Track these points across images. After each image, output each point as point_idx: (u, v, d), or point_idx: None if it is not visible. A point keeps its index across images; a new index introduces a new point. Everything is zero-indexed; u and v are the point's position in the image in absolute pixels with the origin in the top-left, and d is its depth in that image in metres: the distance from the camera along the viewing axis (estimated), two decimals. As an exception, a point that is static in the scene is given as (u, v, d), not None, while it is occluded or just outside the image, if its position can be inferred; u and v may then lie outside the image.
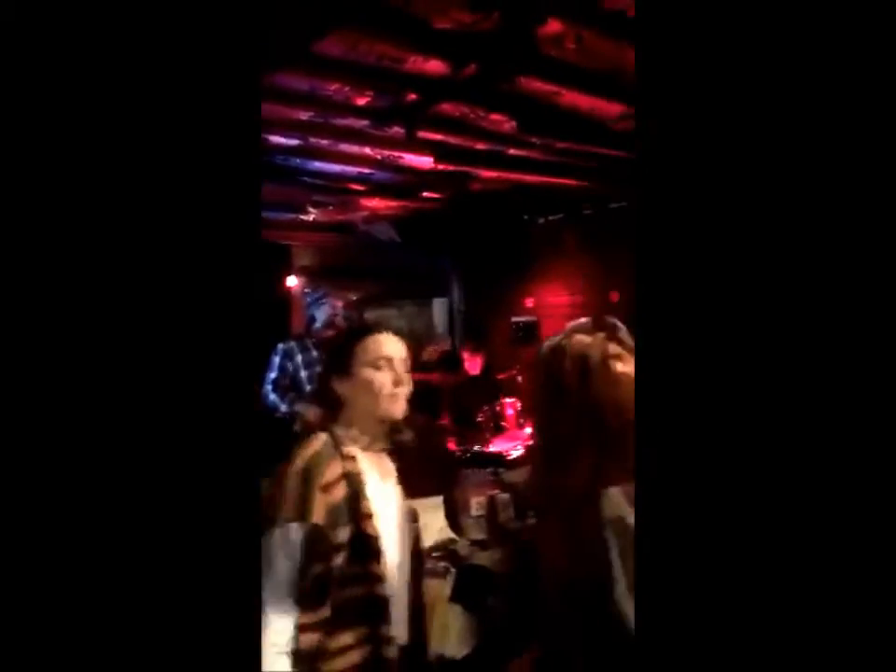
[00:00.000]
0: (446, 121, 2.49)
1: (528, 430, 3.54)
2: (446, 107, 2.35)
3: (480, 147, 2.79)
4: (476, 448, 3.50)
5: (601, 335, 0.97)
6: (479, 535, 2.09)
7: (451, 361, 4.15)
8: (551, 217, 4.70)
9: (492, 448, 3.49)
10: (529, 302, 4.90)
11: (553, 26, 1.79)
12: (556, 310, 4.66)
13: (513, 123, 2.34)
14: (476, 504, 2.17)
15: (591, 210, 4.38)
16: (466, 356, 4.02)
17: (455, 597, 1.77)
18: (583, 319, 1.02)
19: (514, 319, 4.94)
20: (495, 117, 2.31)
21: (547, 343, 1.02)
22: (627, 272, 4.21)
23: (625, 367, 0.95)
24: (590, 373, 0.94)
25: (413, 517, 1.32)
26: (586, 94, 2.23)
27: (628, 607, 0.85)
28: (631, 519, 0.87)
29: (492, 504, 2.18)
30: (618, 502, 0.90)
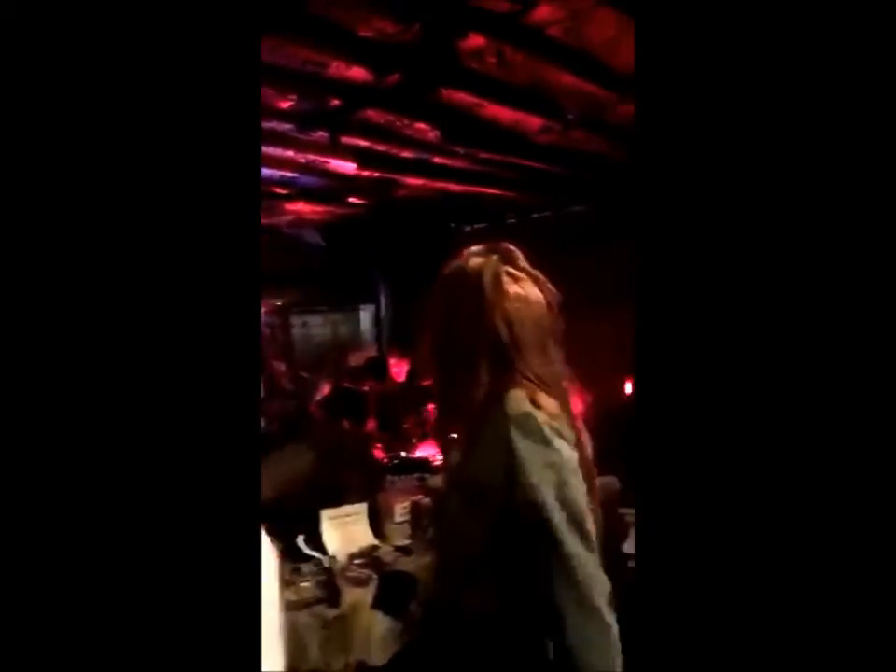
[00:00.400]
0: (371, 128, 2.49)
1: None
2: (371, 114, 2.36)
3: (405, 154, 2.81)
4: (402, 454, 3.50)
5: (495, 257, 1.05)
6: (403, 541, 2.09)
7: (377, 368, 4.14)
8: (476, 226, 4.78)
9: (418, 454, 3.50)
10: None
11: (475, 40, 1.84)
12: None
13: (437, 132, 2.38)
14: (400, 510, 2.17)
15: (514, 219, 4.48)
16: (392, 362, 4.02)
17: (378, 604, 1.77)
18: (479, 245, 1.09)
19: (441, 326, 4.97)
20: (419, 125, 2.33)
21: (445, 267, 1.10)
22: (548, 279, 4.33)
23: (515, 285, 1.03)
24: (482, 290, 1.01)
25: None
26: (507, 107, 2.29)
27: (534, 495, 0.89)
28: (535, 414, 0.94)
29: (416, 510, 2.19)
30: (521, 399, 0.95)
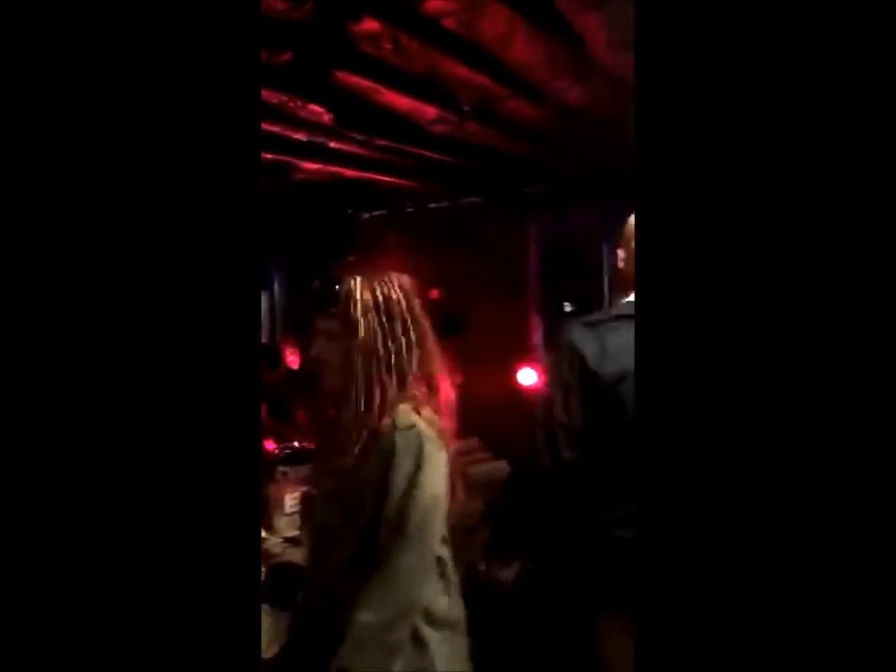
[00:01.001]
0: (263, 108, 2.40)
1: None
2: (263, 94, 2.27)
3: (299, 137, 2.73)
4: (294, 444, 3.43)
5: (360, 278, 1.20)
6: (292, 532, 2.06)
7: (271, 356, 4.02)
8: (374, 213, 4.74)
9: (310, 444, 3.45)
10: (353, 297, 4.88)
11: (370, 24, 1.82)
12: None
13: (332, 116, 2.33)
14: (290, 500, 2.14)
15: (412, 208, 4.48)
16: (287, 351, 3.92)
17: (266, 596, 1.74)
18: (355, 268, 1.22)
19: (337, 314, 4.90)
20: (313, 107, 2.28)
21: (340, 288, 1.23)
22: (446, 269, 4.38)
23: (393, 302, 1.17)
24: (369, 311, 1.16)
25: None
26: (403, 95, 2.28)
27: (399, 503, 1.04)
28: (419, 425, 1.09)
29: (307, 500, 2.16)
30: (408, 411, 1.11)
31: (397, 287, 1.20)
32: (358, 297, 1.17)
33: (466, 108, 2.44)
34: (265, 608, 1.68)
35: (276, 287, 5.22)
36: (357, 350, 1.14)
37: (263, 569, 1.80)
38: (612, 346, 1.33)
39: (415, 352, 1.16)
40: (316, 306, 1.22)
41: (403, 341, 1.16)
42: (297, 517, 2.12)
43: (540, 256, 4.01)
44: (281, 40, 1.86)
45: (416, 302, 1.21)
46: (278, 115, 2.50)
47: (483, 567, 2.71)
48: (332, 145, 2.87)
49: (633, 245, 1.41)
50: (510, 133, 2.84)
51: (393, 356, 1.14)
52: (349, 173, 3.35)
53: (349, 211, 4.74)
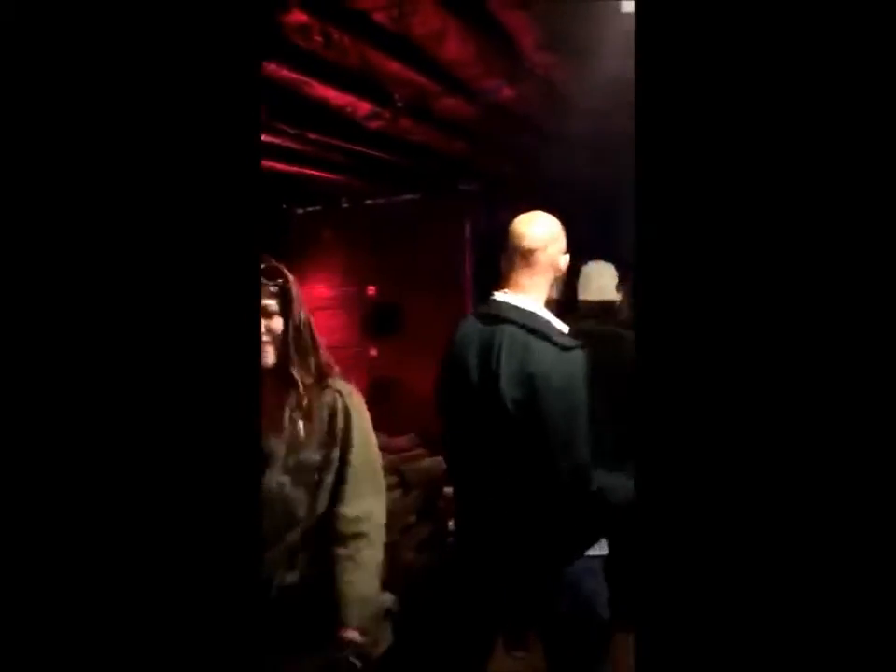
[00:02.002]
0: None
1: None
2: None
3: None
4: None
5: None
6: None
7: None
8: (309, 209, 4.67)
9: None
10: (288, 293, 4.80)
11: (299, 16, 1.79)
12: (316, 303, 4.64)
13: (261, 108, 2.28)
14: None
15: (348, 204, 4.44)
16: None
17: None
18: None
19: (271, 311, 4.80)
20: (241, 100, 2.22)
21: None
22: (383, 266, 4.37)
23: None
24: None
25: None
26: (336, 89, 2.26)
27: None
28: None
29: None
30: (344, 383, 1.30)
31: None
32: (288, 274, 1.27)
33: (400, 104, 2.44)
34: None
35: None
36: (295, 325, 1.25)
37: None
38: (455, 346, 1.44)
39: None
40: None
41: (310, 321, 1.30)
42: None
43: (476, 252, 4.05)
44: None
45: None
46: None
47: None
48: (264, 138, 2.81)
49: (506, 243, 1.48)
50: (444, 131, 2.86)
51: (310, 333, 1.28)
52: (282, 167, 3.29)
53: (283, 206, 4.65)
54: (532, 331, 1.38)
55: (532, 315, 1.43)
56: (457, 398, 1.42)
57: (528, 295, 1.45)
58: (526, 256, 1.44)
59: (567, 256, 1.51)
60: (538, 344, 1.36)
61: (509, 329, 1.39)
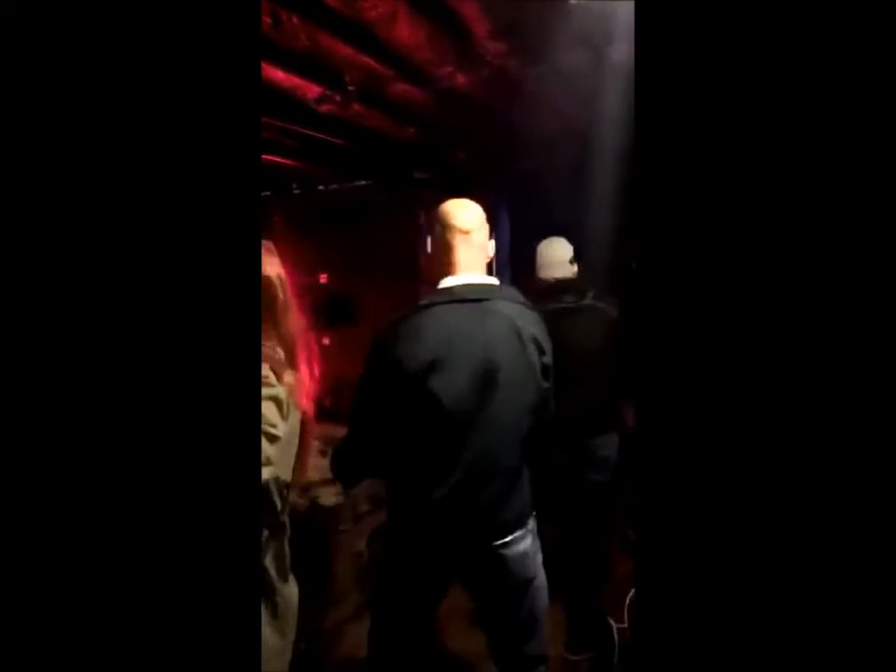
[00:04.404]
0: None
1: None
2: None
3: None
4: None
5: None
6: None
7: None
8: (260, 194, 4.58)
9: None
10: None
11: (246, -5, 1.74)
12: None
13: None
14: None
15: (299, 190, 4.37)
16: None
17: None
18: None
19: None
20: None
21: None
22: (335, 254, 4.31)
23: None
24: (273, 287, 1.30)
25: None
26: (284, 70, 2.21)
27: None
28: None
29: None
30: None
31: (267, 262, 1.27)
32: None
33: (351, 88, 2.40)
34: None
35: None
36: None
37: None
38: (420, 336, 1.33)
39: (271, 321, 1.27)
40: None
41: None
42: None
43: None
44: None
45: (273, 269, 1.29)
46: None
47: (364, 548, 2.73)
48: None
49: (437, 229, 1.46)
50: (397, 117, 2.83)
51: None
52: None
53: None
54: (520, 301, 1.43)
55: (506, 287, 1.46)
56: (448, 382, 1.32)
57: (479, 272, 1.45)
58: (466, 236, 1.45)
59: (493, 242, 1.53)
60: (531, 314, 1.43)
61: (502, 304, 1.39)
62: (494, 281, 1.45)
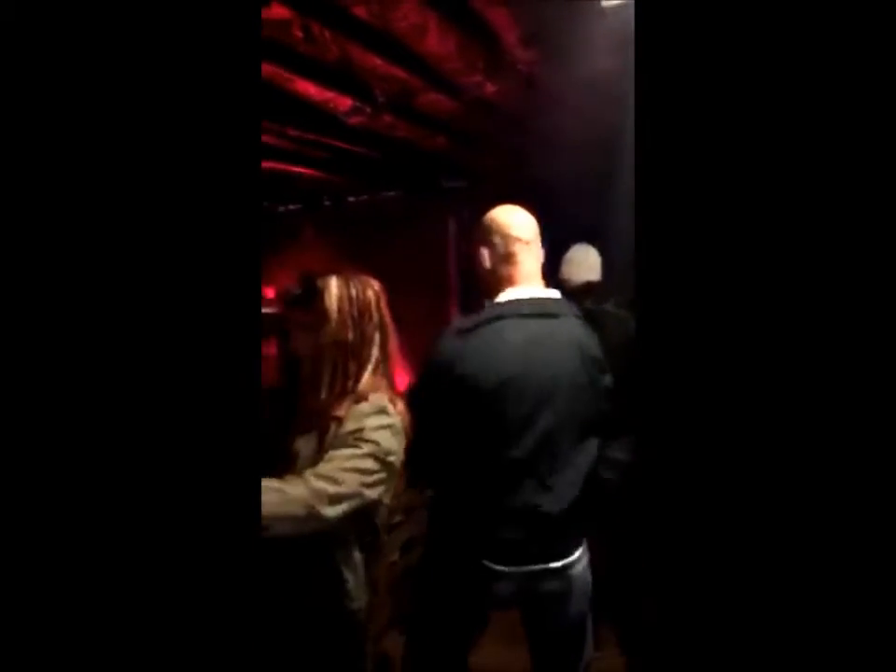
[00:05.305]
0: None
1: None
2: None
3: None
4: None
5: (373, 281, 1.33)
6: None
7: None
8: (291, 207, 4.63)
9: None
10: (269, 293, 4.77)
11: (280, 11, 1.77)
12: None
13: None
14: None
15: (330, 201, 4.41)
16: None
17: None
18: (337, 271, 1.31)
19: (253, 310, 4.77)
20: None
21: (333, 283, 1.31)
22: (365, 264, 4.34)
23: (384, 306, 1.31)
24: (378, 311, 1.31)
25: None
26: (316, 84, 2.24)
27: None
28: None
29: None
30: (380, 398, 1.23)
31: (369, 288, 1.29)
32: (333, 292, 1.26)
33: (381, 100, 2.42)
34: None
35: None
36: (328, 337, 1.23)
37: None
38: (489, 351, 1.29)
39: (378, 347, 1.27)
40: (294, 302, 1.30)
41: (372, 335, 1.27)
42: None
43: (460, 250, 4.04)
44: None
45: (385, 305, 1.31)
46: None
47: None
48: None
49: (496, 239, 1.40)
50: (426, 127, 2.84)
51: (360, 347, 1.25)
52: (262, 163, 3.26)
53: (263, 203, 4.61)
54: (578, 317, 1.40)
55: (565, 301, 1.43)
56: (517, 401, 1.27)
57: (540, 284, 1.42)
58: (527, 246, 1.40)
59: (543, 250, 1.49)
60: (589, 331, 1.41)
61: (566, 322, 1.36)
62: (556, 294, 1.41)
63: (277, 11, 1.76)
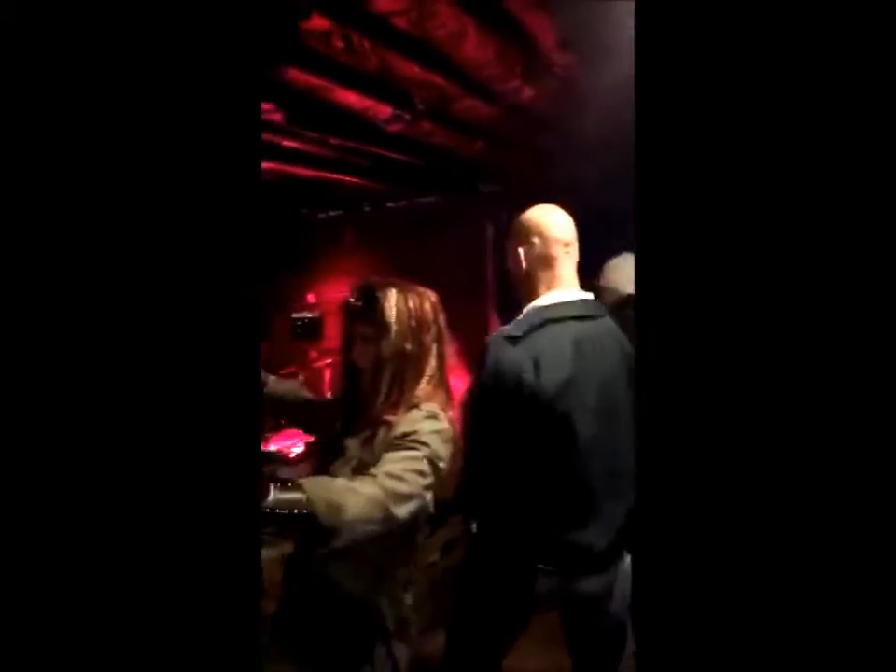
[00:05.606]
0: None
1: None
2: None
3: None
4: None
5: (430, 292, 1.35)
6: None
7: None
8: (331, 213, 4.71)
9: (271, 447, 3.41)
10: (311, 298, 4.85)
11: (320, 22, 1.81)
12: (338, 306, 4.67)
13: (282, 114, 2.31)
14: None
15: (370, 208, 4.47)
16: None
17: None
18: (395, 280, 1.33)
19: (294, 315, 4.86)
20: (263, 105, 2.25)
21: (391, 293, 1.32)
22: (405, 269, 4.38)
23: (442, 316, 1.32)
24: (435, 322, 1.32)
25: None
26: (356, 93, 2.28)
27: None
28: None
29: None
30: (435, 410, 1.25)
31: (426, 300, 1.32)
32: (392, 304, 1.27)
33: (420, 107, 2.45)
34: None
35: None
36: (387, 349, 1.25)
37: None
38: (548, 356, 1.27)
39: (437, 358, 1.30)
40: (354, 314, 1.31)
41: (430, 347, 1.29)
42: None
43: (497, 254, 4.04)
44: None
45: (442, 316, 1.33)
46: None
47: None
48: (285, 143, 2.85)
49: (535, 240, 1.38)
50: (464, 132, 2.86)
51: (418, 358, 1.27)
52: (303, 172, 3.32)
53: (304, 211, 4.70)
54: (611, 318, 1.40)
55: (598, 303, 1.42)
56: (579, 405, 1.27)
57: (577, 286, 1.41)
58: (566, 248, 1.38)
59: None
60: (620, 332, 1.39)
61: (603, 322, 1.36)
62: (590, 296, 1.40)
63: (317, 23, 1.80)
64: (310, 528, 1.02)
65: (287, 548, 1.45)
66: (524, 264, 1.41)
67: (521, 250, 1.41)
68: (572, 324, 1.32)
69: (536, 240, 1.39)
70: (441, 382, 1.30)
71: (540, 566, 1.32)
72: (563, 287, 1.37)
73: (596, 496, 1.31)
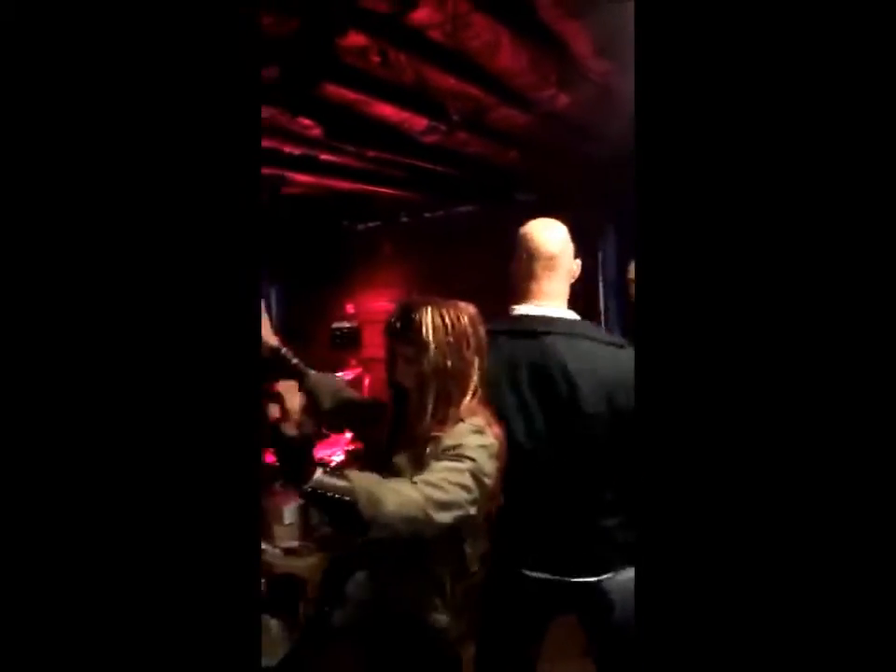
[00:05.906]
0: (254, 123, 2.43)
1: (348, 435, 3.55)
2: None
3: (290, 150, 2.76)
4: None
5: (472, 308, 1.31)
6: (291, 542, 2.07)
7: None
8: (370, 224, 4.77)
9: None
10: (350, 308, 4.91)
11: (357, 38, 1.84)
12: (376, 315, 4.72)
13: (321, 129, 2.36)
14: (288, 512, 2.15)
15: (407, 218, 4.51)
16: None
17: (267, 607, 1.74)
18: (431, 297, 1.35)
19: (334, 325, 4.93)
20: (303, 121, 2.30)
21: (433, 310, 1.32)
22: (443, 278, 4.40)
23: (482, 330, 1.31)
24: (476, 336, 1.30)
25: None
26: (393, 106, 2.31)
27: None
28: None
29: (304, 511, 2.17)
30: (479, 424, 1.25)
31: (464, 315, 1.31)
32: (430, 321, 1.27)
33: (455, 118, 2.47)
34: (265, 618, 1.69)
35: (273, 301, 5.24)
36: (429, 367, 1.26)
37: (263, 581, 1.81)
38: (492, 367, 1.32)
39: (477, 371, 1.29)
40: (394, 334, 1.31)
41: (471, 360, 1.29)
42: (295, 528, 2.13)
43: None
44: (267, 55, 1.89)
45: (481, 329, 1.32)
46: (268, 129, 2.53)
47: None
48: (324, 157, 2.90)
49: (522, 254, 1.40)
50: (500, 142, 2.87)
51: (460, 374, 1.28)
52: (342, 184, 3.38)
53: (343, 223, 4.77)
54: (592, 338, 1.35)
55: (579, 322, 1.40)
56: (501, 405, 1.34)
57: (558, 302, 1.41)
58: (548, 262, 1.40)
59: (579, 261, 1.48)
60: (605, 350, 1.34)
61: (561, 341, 1.34)
62: (566, 315, 1.40)
63: (354, 39, 1.84)
64: (348, 515, 1.05)
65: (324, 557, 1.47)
66: (512, 276, 1.47)
67: (512, 263, 1.48)
68: (513, 339, 1.35)
69: (522, 254, 1.44)
70: (484, 396, 1.30)
71: (525, 571, 1.35)
72: (531, 302, 1.40)
73: (539, 498, 1.34)
